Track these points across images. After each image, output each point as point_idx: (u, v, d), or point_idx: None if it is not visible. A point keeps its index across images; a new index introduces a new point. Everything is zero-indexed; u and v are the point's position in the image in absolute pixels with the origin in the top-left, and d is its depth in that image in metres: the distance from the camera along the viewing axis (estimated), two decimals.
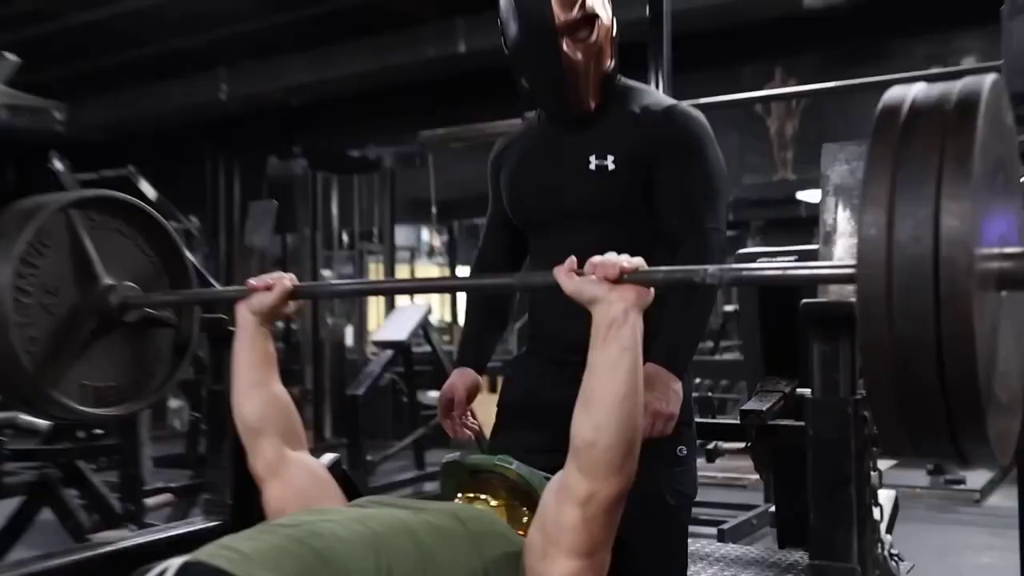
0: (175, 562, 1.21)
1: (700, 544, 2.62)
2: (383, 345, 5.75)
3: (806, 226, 13.35)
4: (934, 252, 0.94)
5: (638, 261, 1.35)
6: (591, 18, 1.80)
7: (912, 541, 2.98)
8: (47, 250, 1.75)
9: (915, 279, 0.94)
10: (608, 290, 1.33)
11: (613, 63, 1.86)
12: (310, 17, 7.77)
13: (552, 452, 1.74)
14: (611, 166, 1.82)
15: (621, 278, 1.33)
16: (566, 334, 1.90)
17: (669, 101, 1.91)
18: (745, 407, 2.32)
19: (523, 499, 1.57)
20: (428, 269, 13.94)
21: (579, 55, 1.80)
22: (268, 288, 1.60)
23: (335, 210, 9.03)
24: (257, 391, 1.61)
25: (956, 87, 1.03)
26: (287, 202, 8.53)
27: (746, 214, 10.66)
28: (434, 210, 8.79)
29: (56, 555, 1.78)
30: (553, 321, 1.93)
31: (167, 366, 1.94)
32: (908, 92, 1.05)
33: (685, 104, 1.91)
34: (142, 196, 6.80)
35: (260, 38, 8.23)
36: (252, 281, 1.63)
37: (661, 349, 1.76)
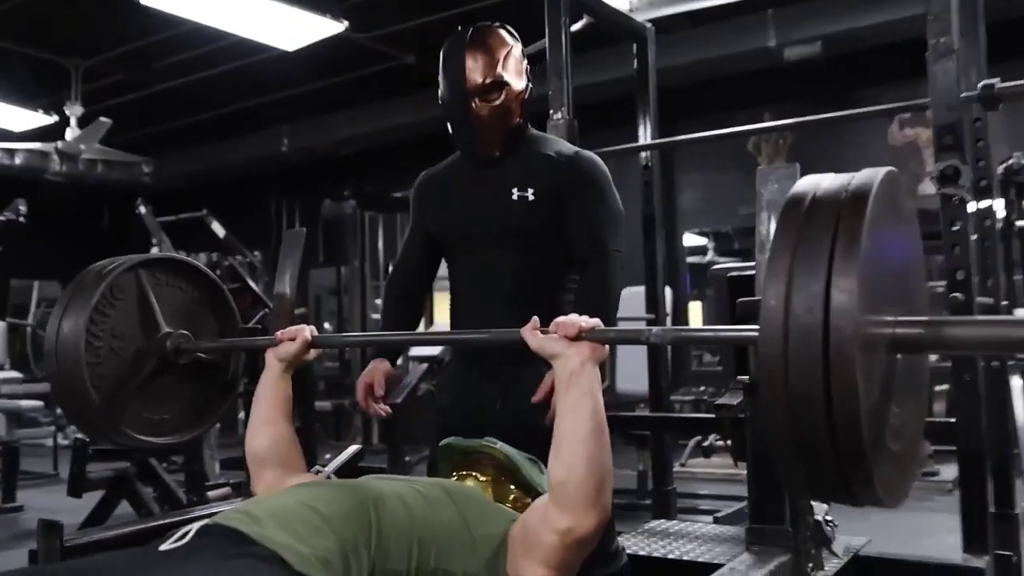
0: (196, 524, 1.26)
1: (688, 525, 2.64)
2: (419, 360, 5.81)
3: None
4: (824, 321, 0.96)
5: (595, 321, 1.38)
6: (500, 84, 1.93)
7: (890, 525, 2.99)
8: (118, 302, 1.87)
9: (807, 344, 0.96)
10: (567, 346, 1.36)
11: (520, 120, 1.98)
12: (357, 80, 7.95)
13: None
14: (531, 196, 1.93)
15: (579, 336, 1.36)
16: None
17: (575, 148, 2.04)
18: (719, 402, 2.36)
19: (509, 476, 1.62)
20: None
21: (486, 112, 1.93)
22: (292, 339, 1.68)
23: (381, 244, 9.15)
24: (269, 428, 1.67)
25: (854, 178, 1.07)
26: (338, 239, 8.65)
27: (742, 242, 10.63)
28: None
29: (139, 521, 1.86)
30: (469, 323, 2.00)
31: (217, 401, 2.03)
32: (815, 182, 1.09)
33: (586, 151, 2.04)
34: (213, 234, 6.98)
35: (315, 98, 8.41)
36: (279, 333, 1.71)
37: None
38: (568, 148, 2.03)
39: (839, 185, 1.06)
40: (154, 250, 6.35)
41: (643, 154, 3.16)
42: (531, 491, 1.59)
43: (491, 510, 1.47)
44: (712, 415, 2.55)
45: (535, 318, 1.44)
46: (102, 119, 7.79)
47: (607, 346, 1.39)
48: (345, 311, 9.53)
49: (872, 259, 1.01)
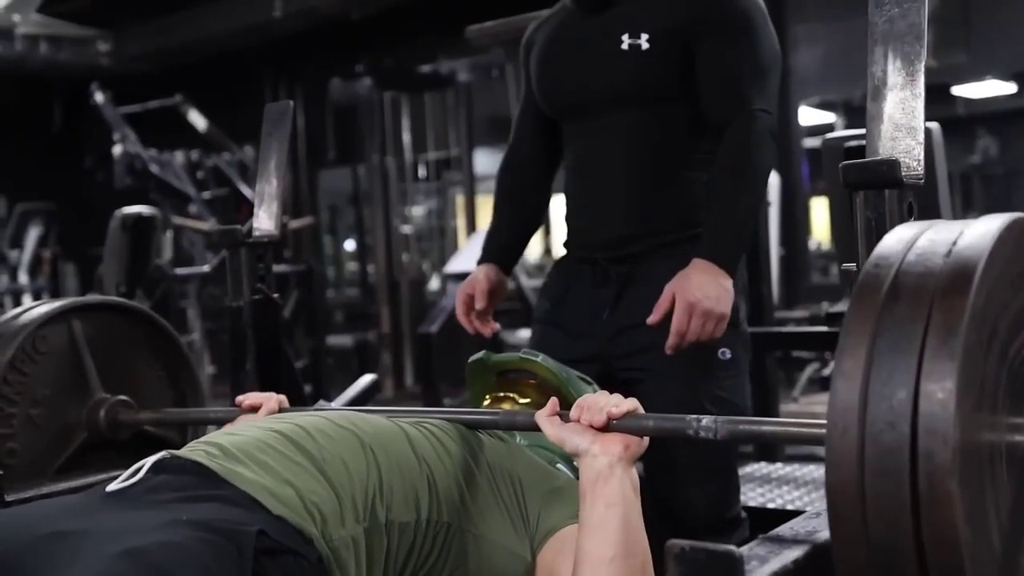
0: (152, 458, 1.31)
1: (796, 468, 2.70)
2: (457, 277, 5.85)
3: (968, 127, 12.86)
4: (912, 438, 0.90)
5: (629, 405, 1.36)
6: None
7: None
8: (41, 357, 1.83)
9: (889, 478, 0.91)
10: (592, 441, 1.34)
11: None
12: None
13: (584, 363, 1.87)
14: (645, 45, 1.88)
15: (608, 426, 1.34)
16: (595, 230, 1.99)
17: None
18: (832, 310, 2.36)
19: (555, 396, 1.67)
20: None
21: None
22: (255, 409, 1.68)
23: (407, 135, 9.18)
24: None
25: (961, 236, 0.99)
26: (353, 129, 8.71)
27: None
28: None
29: None
30: (583, 216, 2.03)
31: None
32: (901, 243, 1.02)
33: None
34: (191, 127, 7.12)
35: None
36: (241, 399, 1.71)
37: (708, 240, 1.83)
38: None
39: (934, 258, 0.98)
40: (117, 149, 6.48)
41: None
42: None
43: (532, 474, 1.51)
44: (828, 328, 2.57)
45: (553, 399, 1.45)
46: None
47: (645, 439, 1.37)
48: (366, 223, 9.66)
49: (981, 354, 0.95)
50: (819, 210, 8.19)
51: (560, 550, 1.40)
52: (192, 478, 1.27)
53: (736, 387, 1.93)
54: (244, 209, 6.78)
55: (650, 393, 1.76)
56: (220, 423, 1.75)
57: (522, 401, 1.68)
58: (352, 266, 10.98)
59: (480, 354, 1.76)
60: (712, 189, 1.89)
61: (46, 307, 1.88)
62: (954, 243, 0.98)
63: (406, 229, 9.14)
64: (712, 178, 1.89)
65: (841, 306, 2.25)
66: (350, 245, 11.07)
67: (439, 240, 10.14)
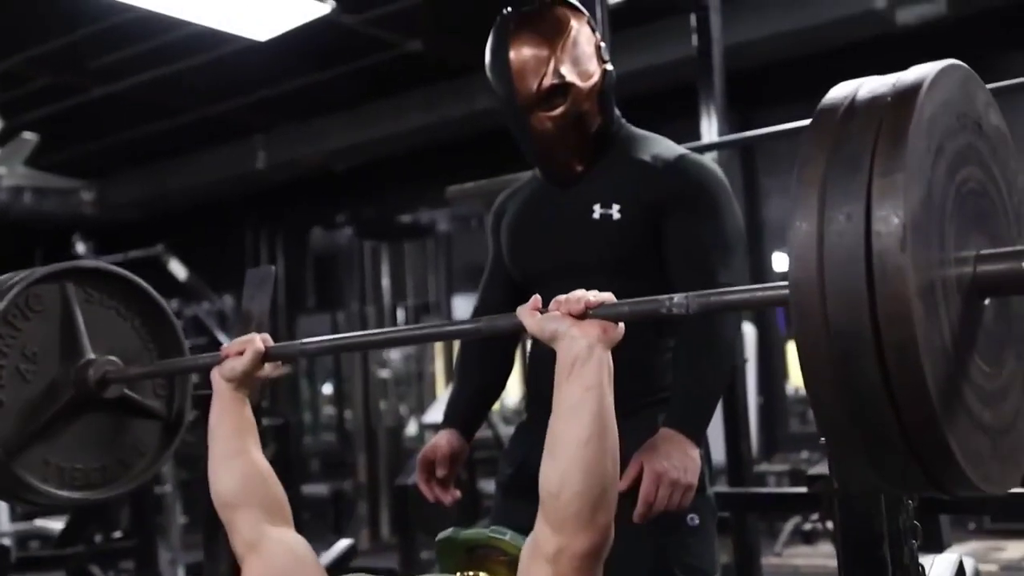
0: None
1: None
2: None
3: None
4: (866, 240, 0.98)
5: (606, 295, 1.41)
6: (562, 87, 1.89)
7: None
8: (34, 315, 1.89)
9: (846, 276, 0.99)
10: (570, 325, 1.39)
11: (601, 120, 1.96)
12: (349, 75, 8.02)
13: None
14: (616, 215, 1.91)
15: (586, 314, 1.39)
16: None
17: (680, 150, 2.00)
18: (812, 471, 2.34)
19: None
20: None
21: (549, 126, 1.91)
22: (240, 353, 1.71)
23: (386, 282, 9.25)
24: (233, 462, 1.69)
25: (904, 74, 1.09)
26: (333, 277, 8.77)
27: None
28: None
29: None
30: (546, 382, 2.02)
31: (155, 446, 2.03)
32: (853, 86, 1.12)
33: (697, 155, 2.02)
34: (172, 277, 7.14)
35: (297, 100, 8.52)
36: (225, 347, 1.74)
37: (675, 411, 1.83)
38: (671, 151, 1.99)
39: (882, 86, 1.08)
40: None
41: (709, 156, 3.21)
42: None
43: None
44: (809, 490, 2.56)
45: (536, 296, 1.48)
46: (26, 134, 7.97)
47: (621, 325, 1.41)
48: (344, 368, 9.64)
49: (928, 160, 1.04)
50: (794, 356, 8.22)
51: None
52: None
53: (705, 553, 1.90)
54: None
55: (620, 558, 1.72)
56: (206, 369, 1.77)
57: None
58: (329, 410, 10.88)
59: (448, 532, 1.73)
60: (677, 360, 1.90)
61: (42, 267, 1.92)
62: (899, 78, 1.08)
63: (384, 374, 9.10)
64: (677, 350, 1.91)
65: (820, 468, 2.25)
66: (327, 389, 11.00)
67: (417, 385, 10.11)
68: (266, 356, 1.71)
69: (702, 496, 1.90)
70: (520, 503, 1.98)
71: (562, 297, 1.43)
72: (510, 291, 2.13)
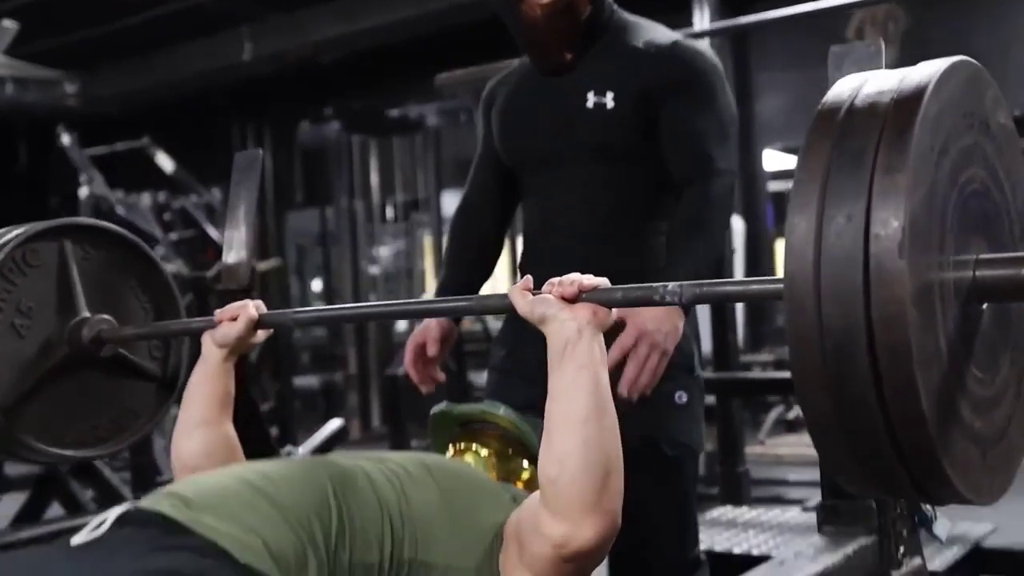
0: (116, 510, 1.31)
1: (762, 512, 2.72)
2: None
3: None
4: (864, 246, 0.97)
5: (599, 280, 1.40)
6: None
7: None
8: (31, 270, 1.87)
9: (842, 279, 0.97)
10: (561, 308, 1.37)
11: (591, 8, 1.96)
12: None
13: (533, 408, 1.88)
14: (610, 103, 1.92)
15: (579, 297, 1.37)
16: (549, 277, 2.01)
17: (674, 36, 2.01)
18: None
19: (517, 447, 1.68)
20: None
21: (539, 13, 1.91)
22: (233, 318, 1.69)
23: (375, 177, 9.21)
24: (204, 431, 1.69)
25: (910, 72, 1.06)
26: (321, 172, 8.72)
27: None
28: None
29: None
30: (538, 263, 2.04)
31: (149, 404, 2.03)
32: (857, 82, 1.09)
33: (691, 41, 2.02)
34: (158, 169, 7.10)
35: None
36: (218, 312, 1.73)
37: (669, 277, 1.84)
38: (665, 36, 1.99)
39: (888, 82, 1.05)
40: (83, 191, 6.47)
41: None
42: None
43: (484, 492, 1.52)
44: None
45: (528, 277, 1.47)
46: (6, 22, 7.83)
47: (613, 311, 1.40)
48: (334, 264, 9.66)
49: (932, 160, 1.02)
50: (783, 251, 8.26)
51: (517, 518, 1.40)
52: (157, 530, 1.27)
53: (692, 431, 1.95)
54: (211, 251, 6.76)
55: None
56: (199, 333, 1.77)
57: (483, 452, 1.69)
58: (319, 306, 10.94)
59: (442, 406, 1.77)
60: (671, 239, 1.92)
61: (40, 223, 1.90)
62: (907, 73, 1.06)
63: (374, 270, 9.13)
64: (672, 229, 1.93)
65: None
66: (317, 286, 11.04)
67: (406, 281, 10.14)
68: (259, 323, 1.71)
69: (691, 375, 1.95)
70: (514, 381, 2.03)
71: (555, 279, 1.41)
72: (499, 175, 2.15)
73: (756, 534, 2.43)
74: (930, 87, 1.02)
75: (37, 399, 1.89)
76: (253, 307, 1.71)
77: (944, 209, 1.04)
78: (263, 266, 7.07)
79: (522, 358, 2.02)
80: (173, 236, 6.93)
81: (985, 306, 1.11)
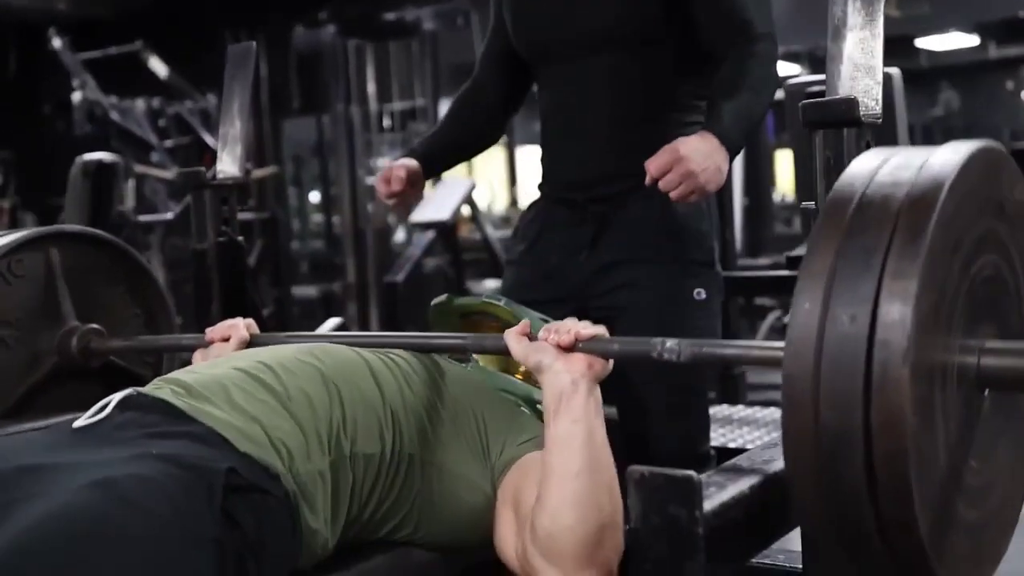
0: (118, 395, 1.32)
1: (757, 410, 2.74)
2: (422, 226, 5.84)
3: (930, 80, 12.89)
4: (868, 336, 0.95)
5: (597, 330, 1.38)
6: None
7: None
8: (16, 280, 1.84)
9: (844, 363, 0.96)
10: (555, 357, 1.36)
11: None
12: None
13: (558, 303, 1.89)
14: None
15: (575, 346, 1.36)
16: (574, 170, 1.99)
17: None
18: (793, 253, 2.34)
19: None
20: (488, 151, 13.72)
21: None
22: (226, 339, 1.69)
23: (372, 85, 9.10)
24: None
25: (929, 157, 1.03)
26: (317, 78, 8.61)
27: None
28: None
29: None
30: (561, 157, 2.03)
31: None
32: (874, 163, 1.06)
33: None
34: (152, 74, 7.02)
35: None
36: (209, 331, 1.72)
37: (718, 117, 1.75)
38: None
39: (903, 172, 1.02)
40: (76, 96, 6.39)
41: None
42: None
43: (493, 404, 1.53)
44: (789, 272, 2.59)
45: (525, 321, 1.46)
46: None
47: (610, 362, 1.38)
48: (331, 174, 9.60)
49: (945, 262, 1.00)
50: (783, 162, 8.23)
51: (523, 475, 1.42)
52: (159, 415, 1.28)
53: (710, 328, 1.95)
54: (207, 157, 6.71)
55: (625, 330, 1.78)
56: (191, 350, 1.76)
57: None
58: (317, 217, 10.91)
59: (442, 297, 1.77)
60: (713, 95, 1.83)
61: (25, 232, 1.89)
62: (925, 161, 1.03)
63: (371, 180, 9.09)
64: (718, 80, 1.84)
65: (801, 250, 2.26)
66: (315, 196, 10.99)
67: None
68: (251, 343, 1.69)
69: (709, 270, 1.94)
70: (529, 273, 2.03)
71: (553, 325, 1.40)
72: (508, 67, 2.10)
73: (751, 430, 2.47)
74: (947, 184, 0.99)
75: (28, 411, 1.85)
76: (244, 327, 1.70)
77: (954, 302, 1.03)
78: (260, 173, 7.03)
79: (542, 255, 2.03)
80: (168, 143, 6.88)
81: (987, 392, 1.10)
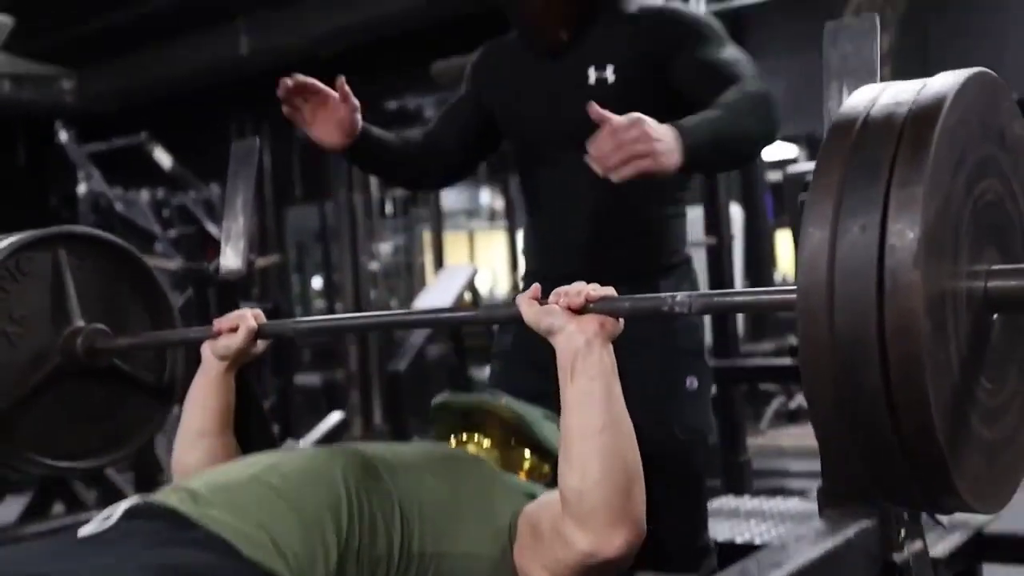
0: (124, 503, 1.32)
1: (764, 501, 2.73)
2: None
3: None
4: (879, 258, 0.97)
5: (606, 290, 1.39)
6: None
7: None
8: (24, 279, 1.87)
9: (855, 288, 0.98)
10: (568, 319, 1.38)
11: None
12: None
13: (544, 397, 1.88)
14: (611, 77, 1.90)
15: (586, 307, 1.38)
16: (559, 263, 1.99)
17: (661, 1, 2.00)
18: (795, 343, 2.36)
19: (521, 438, 1.69)
20: (489, 236, 13.82)
21: None
22: (233, 329, 1.70)
23: None
24: (206, 441, 1.71)
25: (928, 83, 1.06)
26: (320, 167, 8.71)
27: None
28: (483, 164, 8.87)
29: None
30: (544, 251, 2.04)
31: (146, 414, 2.03)
32: (872, 94, 1.09)
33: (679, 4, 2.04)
34: (157, 166, 7.09)
35: None
36: (217, 322, 1.73)
37: (690, 119, 1.70)
38: (654, 3, 1.98)
39: (904, 94, 1.06)
40: (81, 187, 6.47)
41: None
42: (549, 456, 1.64)
43: (497, 483, 1.53)
44: (792, 360, 2.61)
45: (536, 285, 1.47)
46: (1, 18, 7.81)
47: (620, 320, 1.40)
48: (334, 260, 9.65)
49: (950, 175, 1.03)
50: (783, 244, 8.27)
51: (532, 515, 1.41)
52: (164, 523, 1.28)
53: (702, 416, 1.96)
54: (210, 248, 6.76)
55: None
56: (198, 343, 1.77)
57: (485, 443, 1.71)
58: (319, 303, 10.95)
59: (443, 397, 1.78)
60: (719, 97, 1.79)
61: (34, 231, 1.90)
62: (924, 84, 1.06)
63: (373, 266, 9.13)
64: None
65: None
66: (317, 283, 11.04)
67: (406, 276, 10.14)
68: (259, 333, 1.71)
69: (699, 359, 1.96)
70: (520, 369, 2.02)
71: (562, 289, 1.41)
72: (464, 129, 2.09)
73: (758, 523, 2.45)
74: (949, 99, 1.03)
75: (31, 409, 1.87)
76: (252, 317, 1.71)
77: (958, 220, 1.05)
78: (263, 262, 7.08)
79: (530, 344, 2.02)
80: (172, 233, 6.93)
81: (996, 316, 1.12)
